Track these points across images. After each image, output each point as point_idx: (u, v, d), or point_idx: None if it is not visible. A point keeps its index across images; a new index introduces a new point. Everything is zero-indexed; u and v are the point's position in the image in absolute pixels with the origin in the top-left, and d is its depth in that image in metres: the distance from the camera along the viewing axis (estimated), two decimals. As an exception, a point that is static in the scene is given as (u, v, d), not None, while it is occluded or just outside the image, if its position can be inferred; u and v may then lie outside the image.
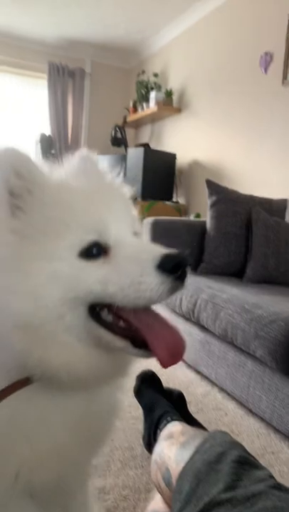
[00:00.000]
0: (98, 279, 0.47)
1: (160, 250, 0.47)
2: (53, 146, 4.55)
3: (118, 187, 0.61)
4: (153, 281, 0.44)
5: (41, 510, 0.54)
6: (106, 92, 5.53)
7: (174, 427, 1.10)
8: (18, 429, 0.49)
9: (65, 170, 0.61)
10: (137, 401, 1.43)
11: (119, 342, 0.47)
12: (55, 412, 0.51)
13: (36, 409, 0.50)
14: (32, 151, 4.75)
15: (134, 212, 0.61)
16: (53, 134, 5.06)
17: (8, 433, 0.49)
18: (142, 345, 0.47)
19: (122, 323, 0.48)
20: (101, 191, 0.56)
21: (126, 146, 4.98)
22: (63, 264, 0.47)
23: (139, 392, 1.41)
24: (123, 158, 4.59)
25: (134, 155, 4.12)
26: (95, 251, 0.48)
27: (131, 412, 1.55)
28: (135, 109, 4.98)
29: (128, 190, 0.63)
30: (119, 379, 0.55)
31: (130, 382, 1.76)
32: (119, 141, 5.02)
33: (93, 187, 0.56)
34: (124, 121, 5.15)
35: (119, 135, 5.03)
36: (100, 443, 0.60)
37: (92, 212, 0.50)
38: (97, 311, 0.49)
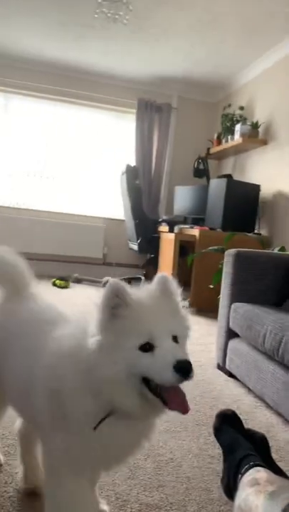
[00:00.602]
0: (146, 365, 0.79)
1: (178, 356, 0.79)
2: (138, 177, 4.72)
3: (170, 303, 0.89)
4: (169, 375, 0.78)
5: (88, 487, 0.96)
6: (191, 125, 5.66)
7: (258, 474, 1.02)
8: (105, 437, 0.85)
9: (144, 290, 0.90)
10: (215, 440, 1.37)
11: (155, 399, 0.82)
12: (124, 430, 0.87)
13: (115, 428, 0.85)
14: (118, 181, 4.97)
15: (180, 319, 0.90)
16: (138, 165, 5.27)
17: (100, 440, 0.85)
18: (165, 403, 0.82)
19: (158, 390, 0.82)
20: (158, 309, 0.86)
21: (208, 177, 5.01)
22: (131, 353, 0.80)
23: (218, 431, 1.35)
24: (204, 189, 4.61)
25: (217, 186, 4.12)
26: (147, 348, 0.80)
27: (208, 450, 1.48)
28: (219, 142, 5.02)
29: (180, 307, 0.92)
30: (154, 419, 0.92)
31: (209, 420, 1.70)
32: (201, 173, 5.07)
33: (150, 304, 0.85)
34: (208, 153, 5.21)
35: (201, 166, 5.08)
36: (134, 453, 0.96)
37: (147, 324, 0.81)
38: (148, 380, 0.82)
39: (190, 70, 4.98)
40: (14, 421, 1.51)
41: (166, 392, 0.81)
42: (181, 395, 0.83)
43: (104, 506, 1.09)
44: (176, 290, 0.92)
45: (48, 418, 0.90)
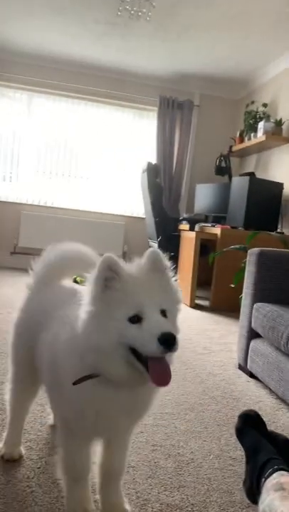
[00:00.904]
0: (134, 336, 0.84)
1: (163, 328, 0.83)
2: (159, 175, 4.70)
3: (161, 278, 0.93)
4: (154, 347, 0.82)
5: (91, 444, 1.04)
6: (213, 122, 5.61)
7: (283, 478, 1.00)
8: (91, 398, 0.92)
9: (136, 265, 0.94)
10: (237, 441, 1.35)
11: (141, 368, 0.86)
12: (110, 394, 0.91)
13: (101, 391, 0.91)
14: (139, 178, 4.96)
15: (170, 294, 0.93)
16: (159, 163, 5.25)
17: (86, 399, 0.92)
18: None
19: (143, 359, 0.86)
20: (149, 283, 0.90)
21: (230, 175, 4.95)
22: (120, 323, 0.85)
23: (241, 433, 1.33)
24: (226, 187, 4.56)
25: (239, 184, 4.06)
26: (135, 319, 0.85)
27: (229, 451, 1.47)
28: (242, 139, 4.95)
29: (172, 281, 0.96)
30: (141, 387, 0.93)
31: (232, 419, 1.68)
32: (223, 170, 5.02)
33: (141, 278, 0.90)
34: (230, 151, 5.15)
35: (223, 164, 5.03)
36: (130, 421, 1.02)
37: (137, 297, 0.86)
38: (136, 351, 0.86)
39: (212, 67, 4.93)
40: (37, 416, 1.53)
41: (150, 361, 0.85)
42: (164, 366, 0.86)
43: (126, 506, 1.08)
44: (167, 265, 0.95)
45: (50, 382, 1.04)
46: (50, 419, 1.48)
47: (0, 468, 1.22)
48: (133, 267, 0.92)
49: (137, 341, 0.83)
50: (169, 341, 0.81)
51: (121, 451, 1.09)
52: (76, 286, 1.27)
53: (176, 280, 0.97)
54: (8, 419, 1.29)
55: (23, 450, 1.29)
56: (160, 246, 4.58)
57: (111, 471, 1.07)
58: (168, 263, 0.96)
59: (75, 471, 1.03)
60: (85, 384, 0.89)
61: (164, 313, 0.88)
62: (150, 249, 0.96)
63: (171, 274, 0.96)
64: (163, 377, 0.85)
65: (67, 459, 1.03)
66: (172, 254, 4.64)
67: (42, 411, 1.56)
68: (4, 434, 1.30)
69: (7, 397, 1.28)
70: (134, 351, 0.85)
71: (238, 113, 5.53)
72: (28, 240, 5.17)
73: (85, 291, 0.90)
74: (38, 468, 1.24)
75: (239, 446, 1.48)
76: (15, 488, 1.13)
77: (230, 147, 5.17)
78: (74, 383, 0.89)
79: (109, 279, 0.87)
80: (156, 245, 4.65)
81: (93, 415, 0.93)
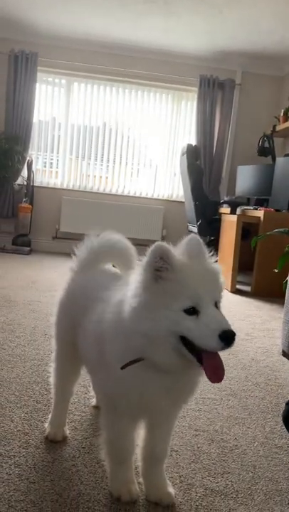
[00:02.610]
0: (189, 328, 0.84)
1: (223, 324, 0.83)
2: (199, 157, 4.60)
3: (212, 269, 0.91)
4: (214, 342, 0.82)
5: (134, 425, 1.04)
6: (255, 101, 5.40)
7: None
8: (136, 380, 0.92)
9: (180, 252, 0.91)
10: (284, 429, 1.31)
11: (191, 357, 0.86)
12: (155, 377, 0.91)
13: (146, 373, 0.91)
14: (179, 160, 4.89)
15: (220, 285, 0.92)
16: (198, 145, 5.13)
17: (131, 381, 0.93)
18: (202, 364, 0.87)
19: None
20: (202, 274, 0.88)
21: (273, 156, 4.77)
22: (174, 314, 0.84)
23: (288, 419, 1.29)
24: (270, 169, 4.40)
25: (284, 165, 3.90)
26: (191, 311, 0.84)
27: (274, 439, 1.43)
28: (286, 118, 4.74)
29: (219, 272, 0.93)
30: (189, 374, 0.95)
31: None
32: (266, 151, 4.83)
33: (196, 269, 0.88)
34: (273, 131, 4.94)
35: (266, 144, 4.84)
36: (174, 404, 1.01)
37: (194, 288, 0.85)
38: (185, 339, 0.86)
39: (256, 42, 4.71)
40: (80, 398, 1.56)
41: (205, 356, 0.85)
42: (218, 362, 0.87)
43: (170, 489, 1.08)
44: (207, 251, 0.95)
45: (94, 361, 1.05)
46: (94, 400, 1.51)
47: (46, 446, 1.25)
48: (180, 255, 0.90)
49: (194, 334, 0.83)
50: (230, 338, 0.82)
51: (164, 435, 1.09)
52: (116, 270, 1.30)
53: (218, 266, 0.95)
54: (53, 401, 1.32)
55: (67, 431, 1.32)
56: (200, 230, 4.51)
57: (154, 454, 1.08)
58: (207, 249, 0.95)
59: (119, 452, 1.04)
60: (131, 367, 0.90)
61: (216, 304, 0.88)
62: (190, 235, 0.95)
63: (211, 260, 0.95)
64: (218, 373, 0.86)
65: (112, 441, 1.04)
66: (212, 238, 4.59)
67: (85, 392, 1.59)
68: (50, 416, 1.33)
69: (52, 379, 1.31)
70: (184, 340, 0.85)
71: (282, 91, 5.28)
72: (68, 225, 5.24)
73: (134, 280, 0.90)
74: (83, 448, 1.26)
75: (285, 434, 1.44)
76: (61, 467, 1.16)
77: (274, 127, 4.95)
78: (122, 368, 0.90)
79: (160, 268, 0.85)
80: (195, 229, 4.59)
81: (137, 396, 0.94)
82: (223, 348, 0.83)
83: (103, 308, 1.03)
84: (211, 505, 1.08)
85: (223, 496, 1.12)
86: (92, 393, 1.53)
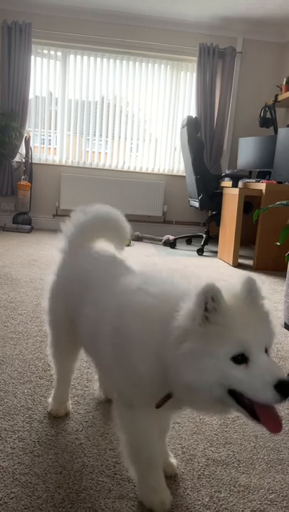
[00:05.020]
0: (239, 379, 0.75)
1: (278, 375, 0.74)
2: (199, 129, 4.50)
3: (265, 315, 0.83)
4: (269, 396, 0.73)
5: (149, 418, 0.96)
6: (257, 70, 5.24)
7: None
8: (159, 378, 0.85)
9: (230, 294, 0.82)
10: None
11: (243, 412, 0.78)
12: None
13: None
14: (179, 133, 4.79)
15: (272, 329, 0.83)
16: (199, 117, 5.02)
17: (154, 380, 0.87)
18: (254, 417, 0.78)
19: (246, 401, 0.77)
20: (252, 317, 0.80)
21: (276, 127, 4.66)
22: (220, 363, 0.75)
23: None
24: (272, 140, 4.31)
25: (286, 136, 3.81)
26: (240, 359, 0.75)
27: (276, 410, 1.44)
28: (289, 86, 4.61)
29: (272, 315, 0.85)
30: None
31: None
32: (268, 122, 4.72)
33: (246, 313, 0.80)
34: (276, 100, 4.81)
35: (268, 115, 4.73)
36: None
37: (242, 333, 0.76)
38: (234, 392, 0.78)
39: (257, 7, 4.53)
40: (83, 372, 1.57)
41: (259, 409, 0.76)
42: (275, 414, 0.78)
43: (172, 459, 1.10)
44: (264, 295, 0.85)
45: (108, 355, 0.96)
46: (96, 377, 1.50)
47: (49, 421, 1.26)
48: (228, 297, 0.81)
49: (245, 386, 0.75)
50: (286, 390, 0.73)
51: (171, 415, 1.10)
52: (112, 251, 1.23)
53: (273, 312, 0.88)
54: (55, 377, 1.33)
55: (70, 406, 1.33)
56: (201, 204, 4.46)
57: (159, 428, 1.06)
58: (264, 293, 0.86)
59: (144, 453, 0.96)
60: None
61: (266, 351, 0.79)
62: (246, 277, 0.86)
63: (268, 305, 0.86)
64: (277, 424, 0.77)
65: (134, 441, 0.96)
66: (214, 212, 4.54)
67: (88, 367, 1.60)
68: (52, 391, 1.34)
69: (51, 362, 1.30)
70: (232, 393, 0.77)
71: (285, 58, 5.12)
72: (69, 202, 5.19)
73: (178, 324, 0.80)
74: (86, 421, 1.27)
75: (287, 405, 1.45)
76: (64, 440, 1.18)
77: (276, 96, 4.82)
78: (156, 407, 0.86)
79: (209, 311, 0.77)
80: (197, 204, 4.54)
81: (158, 391, 0.88)
82: (280, 402, 0.74)
83: (119, 301, 0.96)
84: (212, 474, 1.09)
85: (224, 466, 1.13)
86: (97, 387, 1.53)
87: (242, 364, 0.75)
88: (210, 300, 0.77)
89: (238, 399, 0.77)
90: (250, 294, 0.83)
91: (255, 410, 0.76)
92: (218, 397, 0.78)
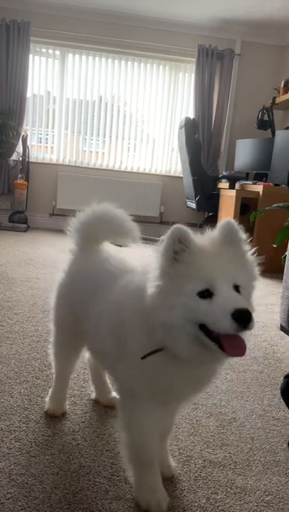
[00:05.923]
0: (204, 312, 0.79)
1: (237, 304, 0.77)
2: (197, 130, 4.51)
3: (241, 254, 0.87)
4: (227, 324, 0.76)
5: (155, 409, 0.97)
6: (255, 72, 5.25)
7: None
8: (160, 371, 0.89)
9: (208, 237, 0.88)
10: (282, 401, 1.32)
11: (212, 345, 0.80)
12: (179, 368, 0.88)
13: (168, 365, 0.87)
14: (177, 134, 4.79)
15: (245, 268, 0.87)
16: (197, 118, 5.03)
17: (156, 373, 0.89)
18: (223, 349, 0.80)
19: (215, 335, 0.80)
20: (224, 256, 0.83)
21: (273, 129, 4.68)
22: (188, 298, 0.80)
23: (286, 394, 1.30)
24: (269, 142, 4.32)
25: (283, 138, 3.83)
26: (205, 294, 0.79)
27: (272, 412, 1.45)
28: (286, 89, 4.63)
29: (250, 255, 0.90)
30: (211, 364, 0.92)
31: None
32: (265, 124, 4.74)
33: (215, 252, 0.83)
34: (273, 103, 4.83)
35: (266, 117, 4.75)
36: (193, 392, 0.99)
37: (208, 270, 0.80)
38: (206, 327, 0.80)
39: (256, 10, 4.54)
40: (80, 373, 1.56)
41: (224, 339, 0.79)
42: (238, 339, 0.80)
43: (171, 462, 1.10)
44: (243, 237, 0.89)
45: (112, 352, 0.99)
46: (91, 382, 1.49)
47: (46, 421, 1.26)
48: (205, 239, 0.86)
49: (208, 318, 0.78)
50: (243, 318, 0.75)
51: (173, 414, 1.10)
52: (123, 254, 1.23)
53: (253, 253, 0.91)
54: (54, 377, 1.32)
55: (67, 406, 1.33)
56: (198, 206, 4.47)
57: (161, 431, 1.06)
58: (243, 235, 0.89)
59: (143, 453, 0.96)
60: (153, 357, 0.86)
61: (237, 288, 0.81)
62: (225, 219, 0.89)
63: (247, 247, 0.89)
64: (238, 348, 0.79)
65: (134, 440, 0.96)
66: (211, 214, 4.55)
67: (84, 368, 1.60)
68: (50, 391, 1.33)
69: (52, 361, 1.31)
70: (203, 328, 0.80)
71: (283, 60, 5.14)
72: (65, 201, 5.18)
73: (152, 264, 0.85)
74: (83, 422, 1.27)
75: (283, 407, 1.46)
76: (61, 441, 1.17)
77: (274, 99, 4.84)
78: (142, 358, 0.86)
79: (178, 251, 0.81)
80: (194, 205, 4.54)
81: (161, 386, 0.90)
82: (237, 330, 0.76)
83: (120, 296, 0.99)
84: (209, 476, 1.10)
85: (221, 467, 1.13)
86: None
87: (207, 298, 0.79)
88: (177, 241, 0.81)
89: (209, 334, 0.80)
90: (228, 236, 0.87)
91: (220, 340, 0.79)
92: (190, 333, 0.80)
